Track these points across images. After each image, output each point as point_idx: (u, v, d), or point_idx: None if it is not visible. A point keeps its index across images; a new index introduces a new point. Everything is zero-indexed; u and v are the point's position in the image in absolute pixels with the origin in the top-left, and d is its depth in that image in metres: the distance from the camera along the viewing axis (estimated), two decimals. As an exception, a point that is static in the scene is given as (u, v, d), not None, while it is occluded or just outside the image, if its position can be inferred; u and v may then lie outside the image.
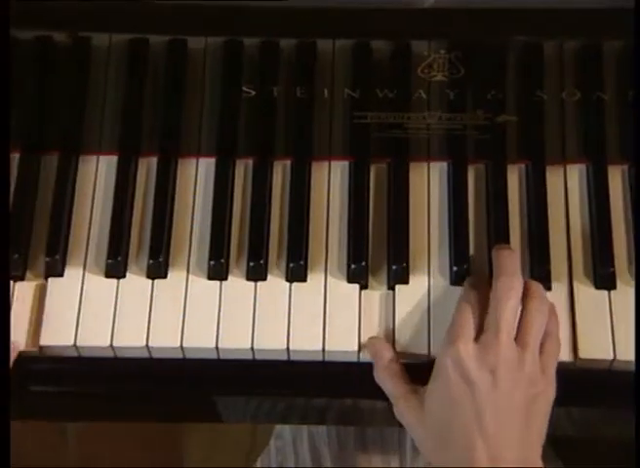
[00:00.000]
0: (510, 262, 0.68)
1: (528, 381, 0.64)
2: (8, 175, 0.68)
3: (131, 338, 0.69)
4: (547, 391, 0.65)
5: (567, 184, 0.74)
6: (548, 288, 0.70)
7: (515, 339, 0.65)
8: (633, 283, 0.70)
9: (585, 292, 0.70)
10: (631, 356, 0.67)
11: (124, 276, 0.71)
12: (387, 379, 0.67)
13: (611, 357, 0.67)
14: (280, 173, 0.75)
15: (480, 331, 0.65)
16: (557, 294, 0.70)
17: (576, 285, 0.70)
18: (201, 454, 1.40)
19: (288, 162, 0.75)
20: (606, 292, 0.70)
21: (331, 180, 0.74)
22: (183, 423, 1.39)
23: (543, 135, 0.73)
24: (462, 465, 0.62)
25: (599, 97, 0.68)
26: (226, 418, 0.77)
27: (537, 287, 0.68)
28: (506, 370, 0.63)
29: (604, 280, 0.70)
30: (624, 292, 0.70)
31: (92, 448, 1.39)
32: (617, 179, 0.73)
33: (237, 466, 1.32)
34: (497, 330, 0.64)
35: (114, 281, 0.71)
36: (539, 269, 0.70)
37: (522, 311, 0.66)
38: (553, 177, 0.73)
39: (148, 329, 0.69)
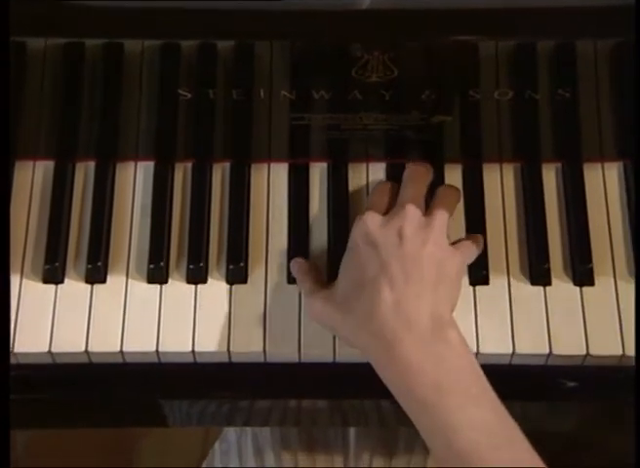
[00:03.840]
0: (421, 163, 0.73)
1: (434, 243, 0.66)
2: (8, 175, 0.66)
3: (70, 344, 0.69)
4: (455, 258, 0.67)
5: (503, 183, 0.75)
6: (487, 283, 0.71)
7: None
8: (568, 279, 0.71)
9: (521, 288, 0.71)
10: (567, 350, 0.69)
11: (62, 281, 0.71)
12: (301, 275, 0.69)
13: (547, 351, 0.69)
14: (219, 175, 0.75)
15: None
16: (496, 290, 0.70)
17: (512, 281, 0.71)
18: (152, 462, 1.39)
19: (227, 164, 0.75)
20: (541, 289, 0.71)
21: (270, 182, 0.75)
22: (134, 431, 1.38)
23: (479, 134, 0.74)
24: (369, 310, 0.63)
25: (531, 96, 0.69)
26: (172, 422, 0.77)
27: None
28: (412, 231, 0.66)
29: (539, 276, 0.71)
30: (559, 287, 0.71)
31: (41, 458, 1.37)
32: (550, 177, 0.75)
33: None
34: (403, 204, 0.68)
35: (52, 286, 0.70)
36: (476, 266, 0.71)
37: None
38: (490, 176, 0.74)
39: (88, 334, 0.69)
